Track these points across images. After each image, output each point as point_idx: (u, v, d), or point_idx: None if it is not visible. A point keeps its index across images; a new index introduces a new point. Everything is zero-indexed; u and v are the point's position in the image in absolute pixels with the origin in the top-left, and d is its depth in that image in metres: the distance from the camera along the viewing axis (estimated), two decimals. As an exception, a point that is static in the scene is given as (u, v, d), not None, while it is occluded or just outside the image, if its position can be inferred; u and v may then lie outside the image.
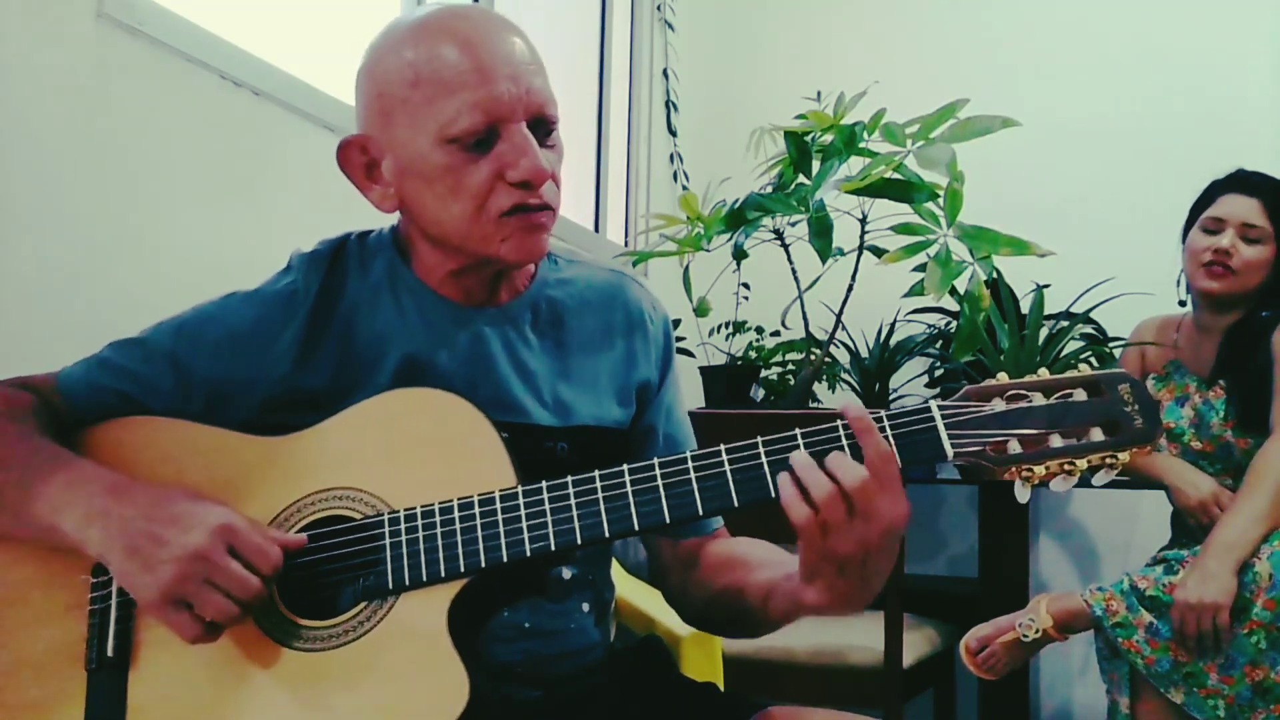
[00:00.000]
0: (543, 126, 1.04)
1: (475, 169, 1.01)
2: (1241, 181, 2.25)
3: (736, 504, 0.93)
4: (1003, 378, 0.93)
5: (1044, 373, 0.93)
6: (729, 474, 0.93)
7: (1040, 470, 0.90)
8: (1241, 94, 3.05)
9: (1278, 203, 2.21)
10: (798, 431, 0.92)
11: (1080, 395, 0.91)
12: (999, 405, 0.91)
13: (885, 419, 0.92)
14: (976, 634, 2.04)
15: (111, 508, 0.94)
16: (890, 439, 0.91)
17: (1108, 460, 0.90)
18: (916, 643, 2.09)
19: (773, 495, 0.91)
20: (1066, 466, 0.90)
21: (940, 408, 0.92)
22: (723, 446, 0.94)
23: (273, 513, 1.00)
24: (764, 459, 0.92)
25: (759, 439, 0.93)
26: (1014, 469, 0.90)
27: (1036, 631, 2.00)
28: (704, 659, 1.75)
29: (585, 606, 1.13)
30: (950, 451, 0.90)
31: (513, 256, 1.04)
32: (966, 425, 0.91)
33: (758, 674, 2.05)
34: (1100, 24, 3.18)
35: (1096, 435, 0.90)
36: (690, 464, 0.94)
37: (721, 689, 1.21)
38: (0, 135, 1.36)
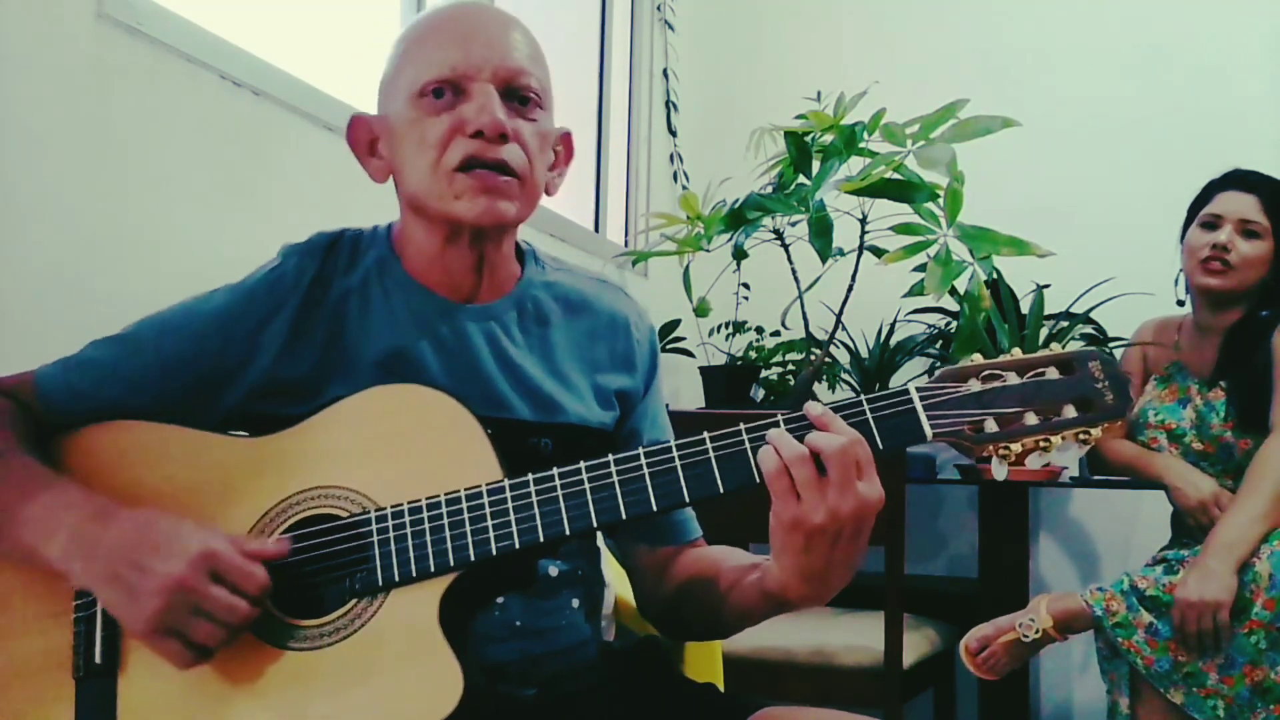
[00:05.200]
0: (517, 95, 1.06)
1: (436, 121, 1.05)
2: (1239, 179, 2.26)
3: (721, 490, 0.94)
4: (977, 358, 0.95)
5: (1017, 352, 0.95)
6: (713, 460, 0.94)
7: (1016, 447, 0.92)
8: (1241, 94, 3.04)
9: (1275, 200, 2.22)
10: (779, 416, 0.94)
11: (1053, 374, 0.93)
12: (975, 385, 0.94)
13: (865, 402, 0.93)
14: (976, 634, 2.04)
15: (95, 535, 0.93)
16: (871, 421, 0.93)
17: (1080, 436, 0.92)
18: (916, 643, 2.09)
19: (757, 480, 0.92)
20: (1042, 443, 0.92)
21: (918, 390, 0.94)
22: (707, 434, 0.95)
23: (259, 514, 1.00)
24: (747, 444, 0.93)
25: (741, 425, 0.94)
26: (991, 446, 0.93)
27: (1036, 631, 2.00)
28: (703, 659, 1.75)
29: (575, 602, 1.13)
30: (929, 431, 0.92)
31: (469, 216, 1.04)
32: (944, 406, 0.93)
33: (757, 674, 2.05)
34: (1100, 24, 3.18)
35: (1069, 412, 0.93)
36: (675, 452, 0.95)
37: (721, 689, 1.21)
38: (0, 135, 1.37)
